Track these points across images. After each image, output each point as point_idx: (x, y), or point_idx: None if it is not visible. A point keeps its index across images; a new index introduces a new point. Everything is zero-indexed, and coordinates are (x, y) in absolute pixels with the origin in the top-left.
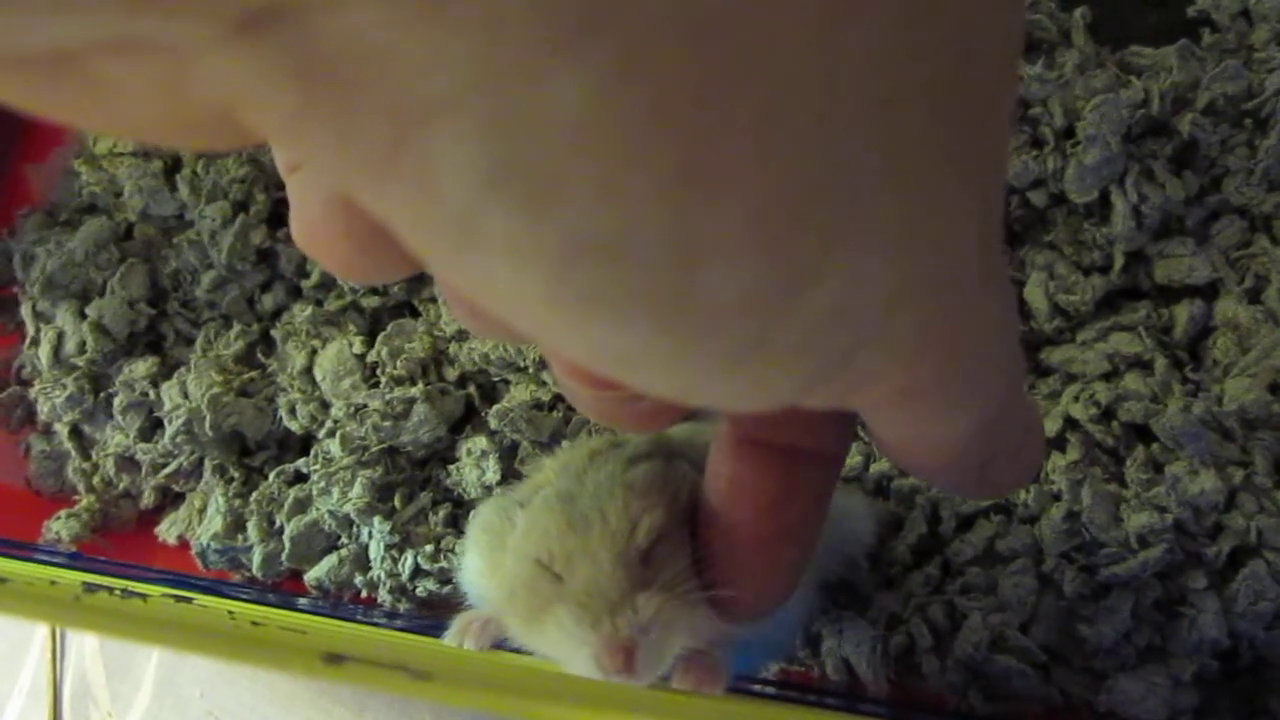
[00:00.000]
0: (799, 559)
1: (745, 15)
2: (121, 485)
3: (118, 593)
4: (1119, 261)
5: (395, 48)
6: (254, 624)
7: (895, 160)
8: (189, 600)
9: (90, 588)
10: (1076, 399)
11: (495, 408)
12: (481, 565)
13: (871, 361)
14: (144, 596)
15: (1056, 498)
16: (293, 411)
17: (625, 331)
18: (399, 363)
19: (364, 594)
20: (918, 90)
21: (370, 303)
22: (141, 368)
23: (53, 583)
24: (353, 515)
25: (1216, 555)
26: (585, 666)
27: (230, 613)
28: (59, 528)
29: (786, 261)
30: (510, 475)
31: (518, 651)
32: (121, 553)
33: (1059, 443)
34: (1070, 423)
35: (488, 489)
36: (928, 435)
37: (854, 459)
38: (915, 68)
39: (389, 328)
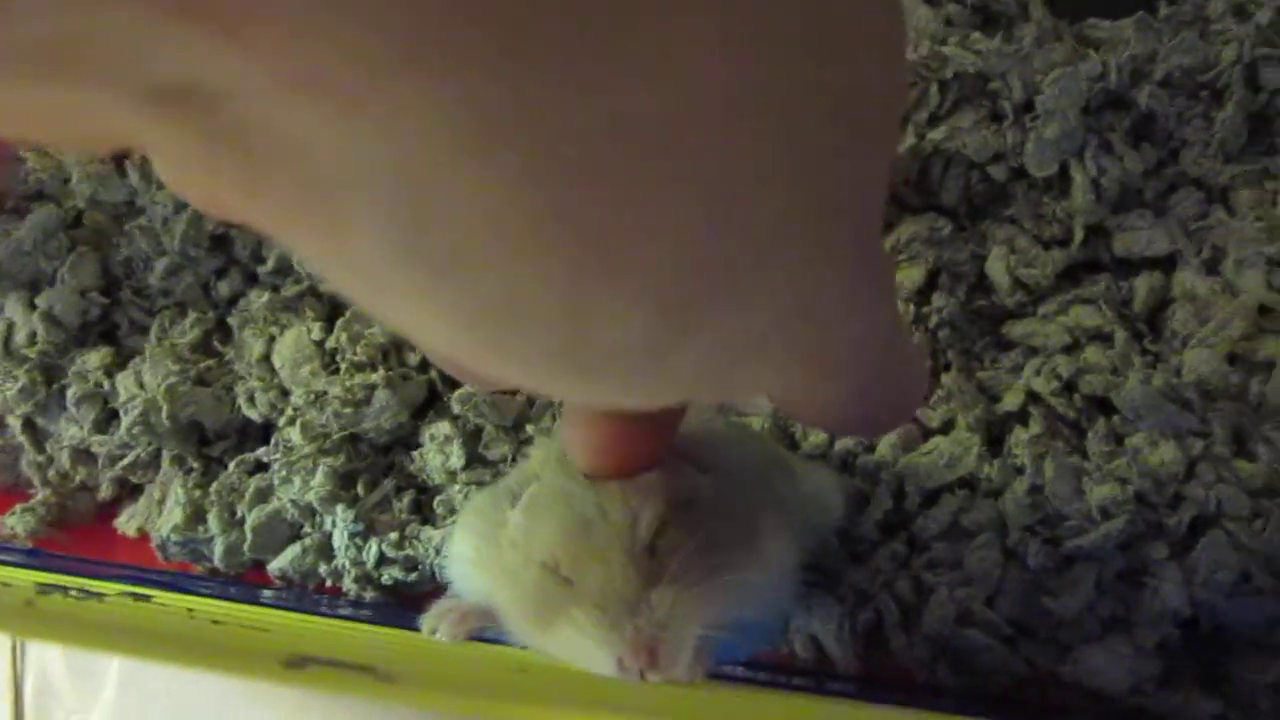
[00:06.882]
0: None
1: (644, 124)
2: (78, 478)
3: (74, 594)
4: (1079, 235)
5: (310, 137)
6: (214, 622)
7: (780, 229)
8: (147, 599)
9: (44, 589)
10: (1038, 372)
11: (458, 393)
12: (473, 556)
13: (747, 373)
14: (101, 596)
15: (1019, 471)
16: (251, 400)
17: (522, 370)
18: (359, 348)
19: (329, 583)
20: (807, 169)
21: (329, 288)
22: (95, 358)
23: (5, 585)
24: (315, 504)
25: (1177, 525)
26: (606, 667)
27: (190, 610)
28: (14, 522)
29: (675, 318)
30: (474, 460)
31: (491, 642)
32: (81, 546)
33: (1021, 416)
34: (1032, 396)
35: (451, 474)
36: (806, 404)
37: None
38: (806, 150)
39: (348, 313)
